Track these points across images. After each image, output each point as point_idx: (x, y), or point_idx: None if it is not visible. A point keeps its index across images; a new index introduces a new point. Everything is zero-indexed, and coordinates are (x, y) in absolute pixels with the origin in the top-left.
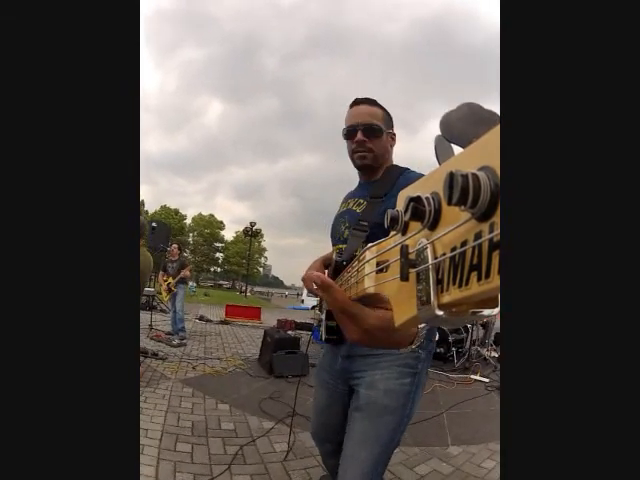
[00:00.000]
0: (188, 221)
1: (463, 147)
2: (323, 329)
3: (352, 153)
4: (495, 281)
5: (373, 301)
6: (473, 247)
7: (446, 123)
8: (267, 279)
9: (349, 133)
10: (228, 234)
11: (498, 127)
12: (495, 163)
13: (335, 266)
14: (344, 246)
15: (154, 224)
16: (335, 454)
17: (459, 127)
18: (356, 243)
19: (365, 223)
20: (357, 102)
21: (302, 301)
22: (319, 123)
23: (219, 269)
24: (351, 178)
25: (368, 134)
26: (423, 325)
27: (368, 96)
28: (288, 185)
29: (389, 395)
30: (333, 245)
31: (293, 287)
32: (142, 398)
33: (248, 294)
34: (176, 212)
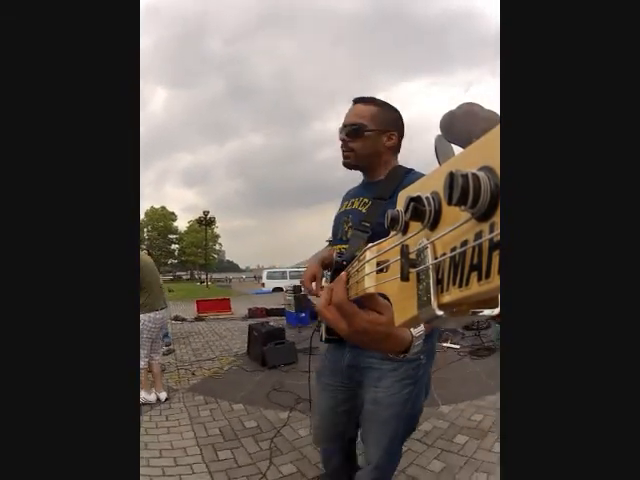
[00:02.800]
0: (141, 216)
1: (463, 147)
2: (323, 329)
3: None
4: (495, 281)
5: (368, 304)
6: (473, 247)
7: (446, 123)
8: (222, 264)
9: (340, 133)
10: (181, 224)
11: (498, 127)
12: (495, 163)
13: (335, 266)
14: (345, 246)
15: None
16: (338, 454)
17: (459, 127)
18: (358, 244)
19: (367, 224)
20: (354, 102)
21: (263, 284)
22: (265, 100)
23: (175, 261)
24: (298, 153)
25: (349, 134)
26: (419, 335)
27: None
28: (235, 166)
29: (392, 407)
30: (334, 244)
31: (248, 269)
32: (163, 417)
33: (209, 283)
34: None
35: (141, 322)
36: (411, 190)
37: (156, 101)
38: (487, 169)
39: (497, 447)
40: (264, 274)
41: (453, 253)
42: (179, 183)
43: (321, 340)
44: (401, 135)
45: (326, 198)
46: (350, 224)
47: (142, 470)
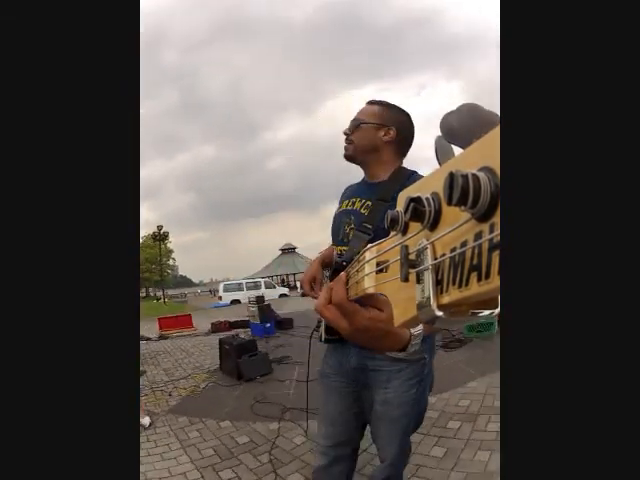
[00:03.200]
0: None
1: (463, 148)
2: (323, 329)
3: None
4: (495, 281)
5: (368, 302)
6: (473, 247)
7: (446, 124)
8: (176, 280)
9: None
10: None
11: (498, 128)
12: (495, 163)
13: (335, 267)
14: (346, 248)
15: None
16: (347, 460)
17: (459, 128)
18: (358, 245)
19: (369, 226)
20: (366, 104)
21: (220, 298)
22: (218, 113)
23: None
24: (248, 164)
25: (350, 128)
26: (418, 333)
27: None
28: (186, 179)
29: (402, 406)
30: (334, 245)
31: (202, 283)
32: (152, 443)
33: (166, 300)
34: None
35: None
36: (411, 190)
37: None
38: (487, 169)
39: (491, 426)
40: (220, 287)
41: (453, 254)
42: None
43: (320, 340)
44: (403, 134)
45: (277, 207)
46: (352, 225)
47: None
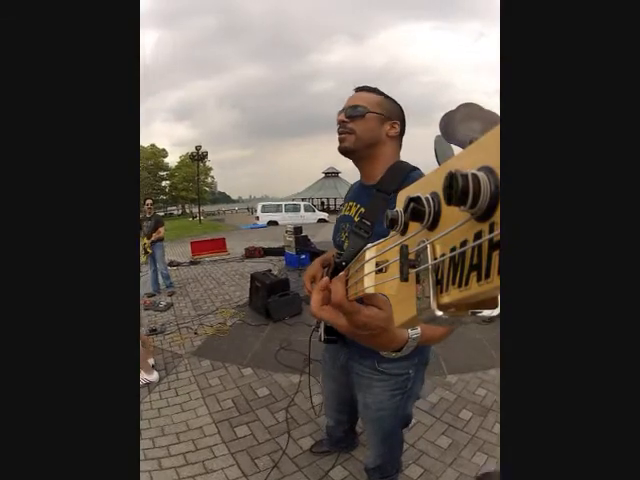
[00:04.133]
0: None
1: (463, 147)
2: (322, 329)
3: (338, 135)
4: (495, 281)
5: (368, 300)
6: (473, 247)
7: (446, 123)
8: (214, 196)
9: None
10: (172, 159)
11: (498, 127)
12: (495, 163)
13: (334, 267)
14: (342, 252)
15: None
16: (344, 424)
17: (458, 127)
18: (358, 243)
19: (368, 223)
20: (356, 90)
21: (257, 218)
22: (258, 35)
23: (166, 197)
24: (292, 85)
25: (350, 114)
26: (415, 337)
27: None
28: (228, 99)
29: (381, 412)
30: (334, 247)
31: (240, 200)
32: (172, 392)
33: (202, 218)
34: None
35: None
36: (410, 190)
37: (143, 42)
38: (487, 169)
39: (497, 428)
40: (258, 207)
41: (453, 253)
42: (169, 118)
43: (320, 340)
44: (403, 130)
45: (320, 130)
46: (347, 233)
47: (164, 462)
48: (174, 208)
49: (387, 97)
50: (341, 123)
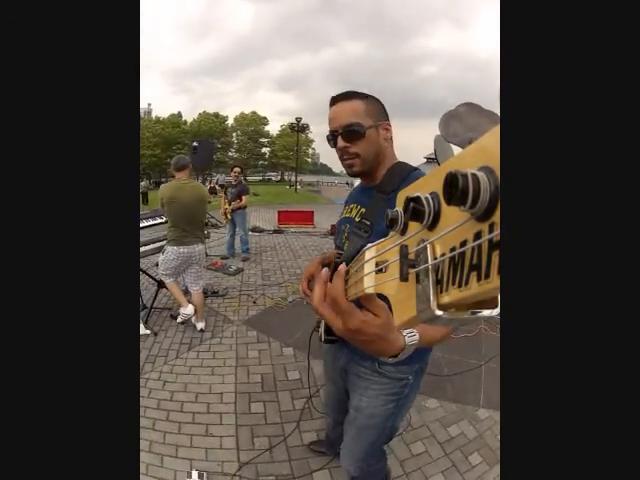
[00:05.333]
0: (230, 122)
1: (463, 147)
2: (322, 329)
3: (340, 161)
4: (495, 281)
5: (366, 305)
6: (473, 247)
7: (446, 123)
8: (315, 167)
9: (331, 141)
10: (274, 127)
11: (498, 127)
12: (495, 163)
13: (335, 267)
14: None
15: (195, 144)
16: (342, 424)
17: (459, 127)
18: (357, 243)
19: (368, 223)
20: (333, 101)
21: None
22: (362, 12)
23: (266, 162)
24: (398, 66)
25: (349, 138)
26: (412, 343)
27: (346, 88)
28: (333, 73)
29: (373, 418)
30: (335, 247)
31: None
32: (210, 354)
33: (298, 187)
34: (216, 115)
35: (164, 254)
36: (410, 190)
37: (242, 14)
38: (486, 169)
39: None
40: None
41: (452, 253)
42: (274, 87)
43: (320, 340)
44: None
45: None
46: (346, 234)
47: (173, 415)
48: (274, 174)
49: (367, 98)
50: (343, 150)
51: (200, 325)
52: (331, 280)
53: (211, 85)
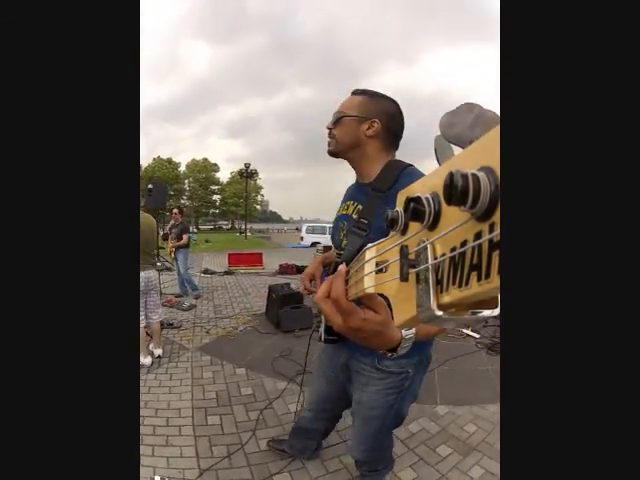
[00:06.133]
0: (182, 168)
1: (463, 147)
2: (322, 329)
3: None
4: (495, 281)
5: (366, 302)
6: (473, 247)
7: (446, 123)
8: (265, 215)
9: None
10: (224, 174)
11: (498, 127)
12: (495, 163)
13: (335, 267)
14: (342, 252)
15: (150, 186)
16: (322, 421)
17: (459, 127)
18: (356, 242)
19: (366, 222)
20: (351, 94)
21: (301, 238)
22: (312, 56)
23: (217, 211)
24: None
25: (334, 121)
26: (409, 337)
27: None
28: (282, 119)
29: (374, 409)
30: (334, 248)
31: (291, 220)
32: (168, 376)
33: (248, 234)
34: (169, 161)
35: None
36: (411, 190)
37: (199, 57)
38: (487, 169)
39: (474, 471)
40: (303, 228)
41: (453, 253)
42: (224, 134)
43: (320, 340)
44: (389, 127)
45: None
46: (344, 232)
47: None
48: (225, 222)
49: (372, 97)
50: (328, 131)
51: (157, 352)
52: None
53: (166, 130)
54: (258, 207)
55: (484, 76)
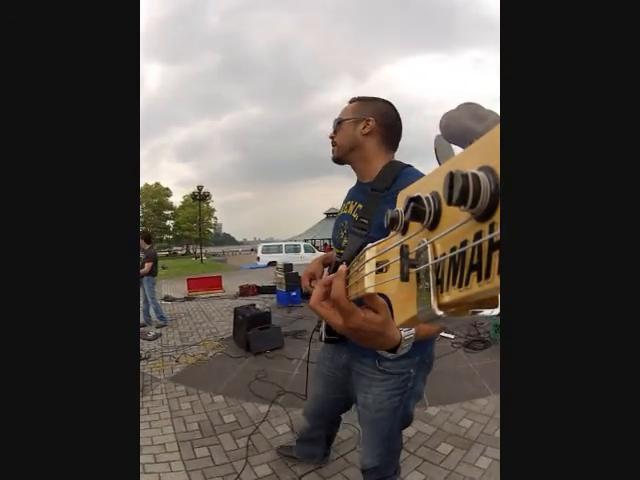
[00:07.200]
0: None
1: (463, 147)
2: (323, 329)
3: None
4: (495, 281)
5: (366, 301)
6: (473, 247)
7: (446, 124)
8: (219, 237)
9: None
10: (176, 199)
11: (498, 127)
12: (495, 163)
13: (335, 267)
14: (343, 252)
15: None
16: (321, 429)
17: (459, 127)
18: (355, 245)
19: (366, 221)
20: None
21: (258, 259)
22: (264, 74)
23: (171, 236)
24: (297, 125)
25: (334, 129)
26: (408, 337)
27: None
28: (232, 138)
29: (380, 412)
30: (334, 248)
31: (245, 242)
32: (144, 410)
33: (204, 258)
34: None
35: None
36: (411, 190)
37: (150, 77)
38: (487, 169)
39: (481, 461)
40: (259, 248)
41: (453, 253)
42: (174, 158)
43: (320, 340)
44: (384, 122)
45: (326, 171)
46: (345, 231)
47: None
48: (179, 248)
49: (365, 100)
50: (331, 139)
51: None
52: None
53: None
54: (212, 230)
55: (439, 82)
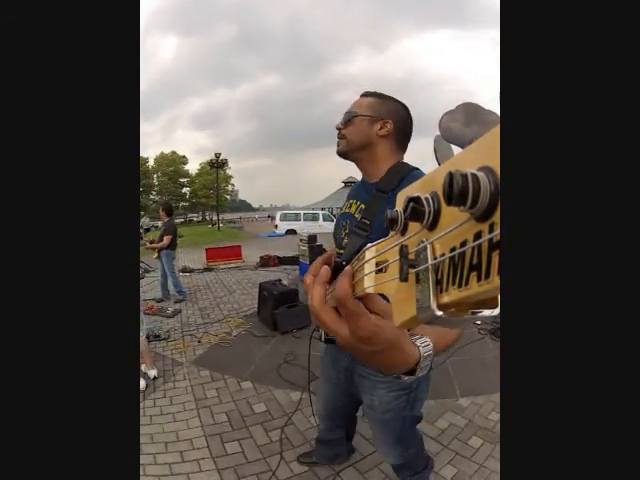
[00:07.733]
0: (150, 163)
1: (462, 147)
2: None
3: None
4: (495, 281)
5: (370, 308)
6: (473, 247)
7: (445, 124)
8: (235, 204)
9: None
10: (192, 167)
11: (498, 127)
12: (495, 163)
13: (335, 267)
14: (343, 251)
15: None
16: (339, 429)
17: (458, 127)
18: (355, 244)
19: (367, 221)
20: (360, 96)
21: (276, 226)
22: (279, 45)
23: (187, 204)
24: (314, 95)
25: (343, 122)
26: (428, 354)
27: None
28: (248, 108)
29: (388, 413)
30: (335, 247)
31: (261, 208)
32: (167, 400)
33: (221, 225)
34: None
35: None
36: (410, 190)
37: (165, 49)
38: (487, 169)
39: None
40: (277, 215)
41: (452, 253)
42: (190, 127)
43: (321, 340)
44: (401, 127)
45: None
46: (347, 231)
47: (149, 469)
48: (195, 215)
49: (383, 98)
50: (338, 131)
51: (152, 373)
52: (331, 281)
53: None
54: (228, 197)
55: (456, 59)
